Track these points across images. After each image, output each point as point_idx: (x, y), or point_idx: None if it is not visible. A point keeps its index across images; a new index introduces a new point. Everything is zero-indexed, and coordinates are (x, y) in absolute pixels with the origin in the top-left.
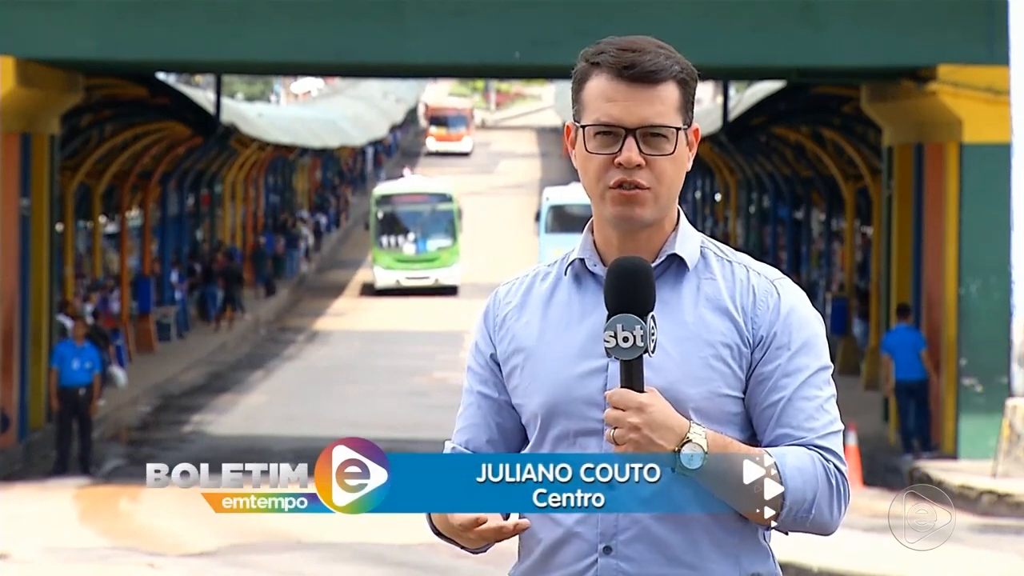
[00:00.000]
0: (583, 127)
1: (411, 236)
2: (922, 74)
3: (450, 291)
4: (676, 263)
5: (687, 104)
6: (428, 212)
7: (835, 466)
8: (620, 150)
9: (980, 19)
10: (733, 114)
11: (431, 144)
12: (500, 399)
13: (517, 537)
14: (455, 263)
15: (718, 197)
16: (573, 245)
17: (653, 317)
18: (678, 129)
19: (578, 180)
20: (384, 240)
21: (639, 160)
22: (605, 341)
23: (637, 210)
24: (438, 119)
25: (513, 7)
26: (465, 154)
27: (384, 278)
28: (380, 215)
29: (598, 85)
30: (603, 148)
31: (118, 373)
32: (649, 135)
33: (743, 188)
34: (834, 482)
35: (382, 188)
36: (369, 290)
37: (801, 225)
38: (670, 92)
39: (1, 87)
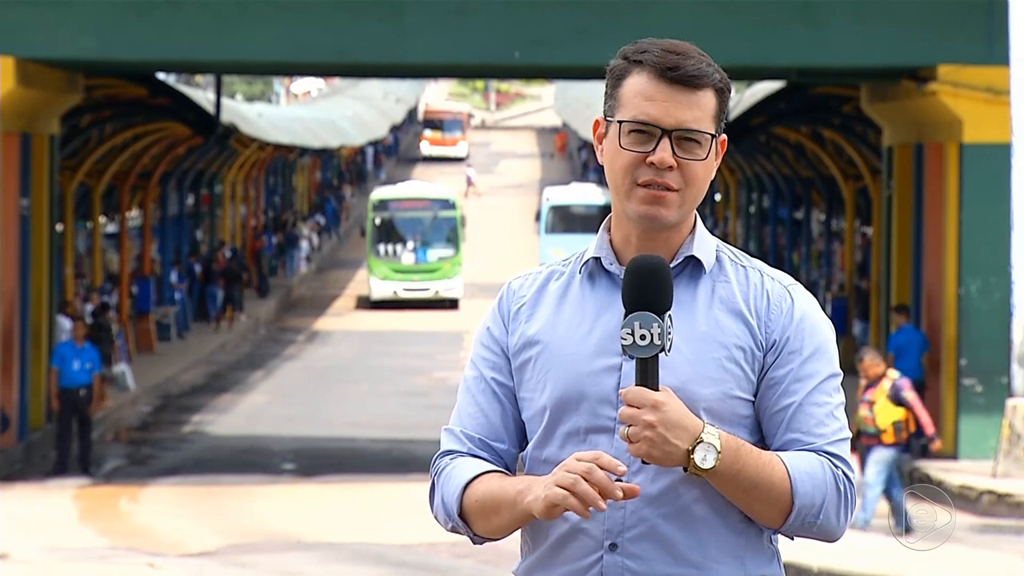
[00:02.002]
0: (619, 123)
1: (410, 244)
2: (922, 74)
3: (451, 304)
4: (692, 265)
5: (721, 114)
6: (429, 219)
7: (844, 472)
8: (654, 150)
9: (980, 19)
10: (733, 114)
11: (425, 148)
12: (513, 387)
13: (520, 533)
14: (457, 274)
15: (718, 197)
16: (573, 245)
17: (670, 316)
18: (712, 136)
19: (579, 180)
20: (381, 248)
21: (672, 162)
22: (622, 339)
23: (663, 211)
24: (433, 122)
25: (513, 7)
26: (460, 159)
27: (380, 289)
28: (377, 221)
29: (638, 83)
30: (637, 146)
31: (124, 371)
32: (684, 139)
33: (743, 188)
34: (842, 488)
35: (380, 192)
36: (365, 302)
37: (801, 225)
38: (708, 99)
39: (1, 87)
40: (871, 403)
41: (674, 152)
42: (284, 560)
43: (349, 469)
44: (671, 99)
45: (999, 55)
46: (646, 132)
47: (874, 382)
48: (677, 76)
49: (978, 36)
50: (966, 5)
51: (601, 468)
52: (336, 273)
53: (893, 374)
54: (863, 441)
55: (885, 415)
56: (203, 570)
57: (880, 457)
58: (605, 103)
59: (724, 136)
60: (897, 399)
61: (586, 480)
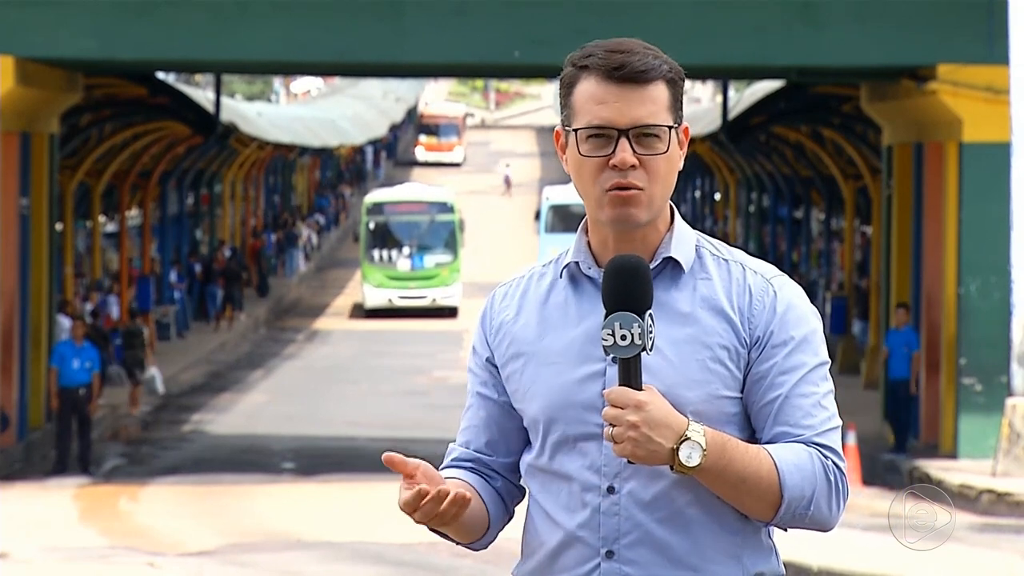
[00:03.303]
0: (575, 131)
1: (406, 250)
2: (922, 74)
3: (449, 313)
4: (671, 265)
5: (676, 103)
6: (426, 223)
7: (833, 462)
8: (614, 152)
9: (980, 19)
10: (733, 113)
11: (420, 154)
12: (500, 400)
13: (522, 534)
14: (455, 281)
15: (718, 197)
16: (568, 245)
17: (651, 315)
18: (670, 128)
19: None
20: (375, 254)
21: (633, 161)
22: (603, 340)
23: (633, 211)
24: (427, 127)
25: (513, 7)
26: (456, 164)
27: (374, 297)
28: (371, 225)
29: (588, 88)
30: (596, 151)
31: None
32: (642, 135)
33: (743, 188)
34: (832, 478)
35: (374, 195)
36: (359, 311)
37: (801, 225)
38: (660, 92)
39: (1, 87)
40: None
41: (634, 150)
42: (284, 560)
43: (349, 469)
44: (622, 99)
45: (999, 55)
46: (603, 135)
47: None
48: (624, 75)
49: (978, 36)
50: (966, 5)
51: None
52: (336, 273)
53: None
54: None
55: None
56: (203, 570)
57: None
58: (561, 112)
59: (686, 125)
60: None
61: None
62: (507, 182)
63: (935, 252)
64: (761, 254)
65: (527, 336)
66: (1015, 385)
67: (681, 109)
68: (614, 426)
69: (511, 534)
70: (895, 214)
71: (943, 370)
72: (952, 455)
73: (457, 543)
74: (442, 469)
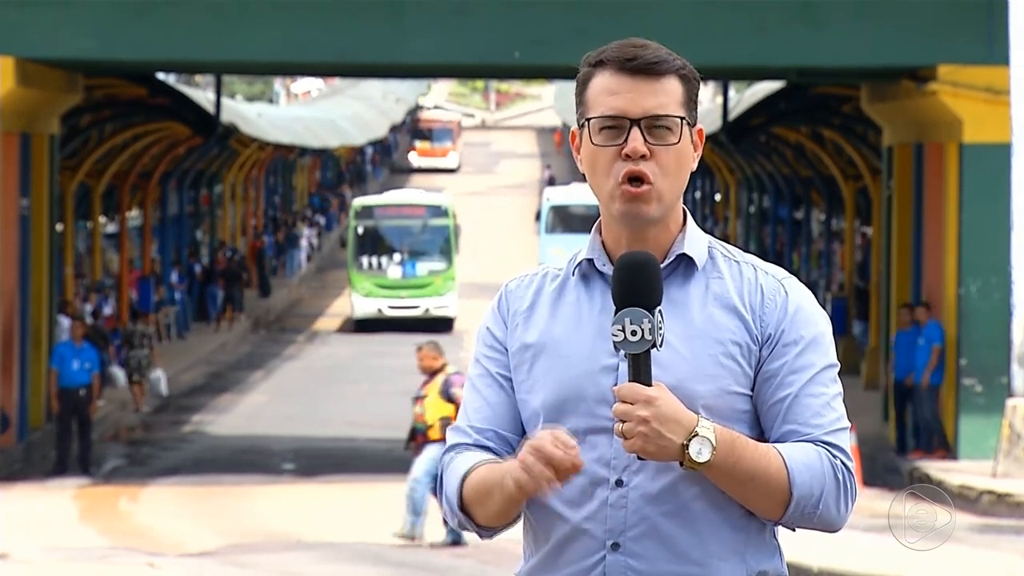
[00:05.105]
0: (588, 121)
1: (397, 257)
2: (922, 74)
3: (444, 324)
4: (685, 263)
5: (690, 101)
6: (419, 228)
7: (842, 462)
8: (626, 141)
9: (980, 19)
10: (733, 114)
11: (414, 159)
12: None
13: (523, 535)
14: (450, 290)
15: (718, 197)
16: (573, 245)
17: (661, 311)
18: (682, 119)
19: (579, 180)
20: (364, 261)
21: (644, 150)
22: (613, 335)
23: (643, 207)
24: (422, 132)
25: (513, 7)
26: (451, 170)
27: (363, 307)
28: (360, 230)
29: (601, 81)
30: (609, 141)
31: (118, 373)
32: (654, 126)
33: (743, 188)
34: (841, 478)
35: (363, 199)
36: (348, 323)
37: (801, 225)
38: (673, 85)
39: (1, 87)
40: (423, 398)
41: (646, 140)
42: (284, 560)
43: (349, 469)
44: (635, 90)
45: (999, 55)
46: (616, 126)
47: (430, 376)
48: (636, 66)
49: (978, 36)
50: (966, 5)
51: (558, 447)
52: (336, 273)
53: (450, 369)
54: (417, 439)
55: (434, 411)
56: (203, 570)
57: (428, 455)
58: (576, 111)
59: (701, 127)
60: (448, 395)
61: (548, 462)
62: (551, 182)
63: (935, 253)
64: (761, 255)
65: (539, 330)
66: (1015, 386)
67: (695, 110)
68: (624, 422)
69: (511, 534)
70: (895, 215)
71: (944, 371)
72: (952, 456)
73: (479, 527)
74: (462, 451)
